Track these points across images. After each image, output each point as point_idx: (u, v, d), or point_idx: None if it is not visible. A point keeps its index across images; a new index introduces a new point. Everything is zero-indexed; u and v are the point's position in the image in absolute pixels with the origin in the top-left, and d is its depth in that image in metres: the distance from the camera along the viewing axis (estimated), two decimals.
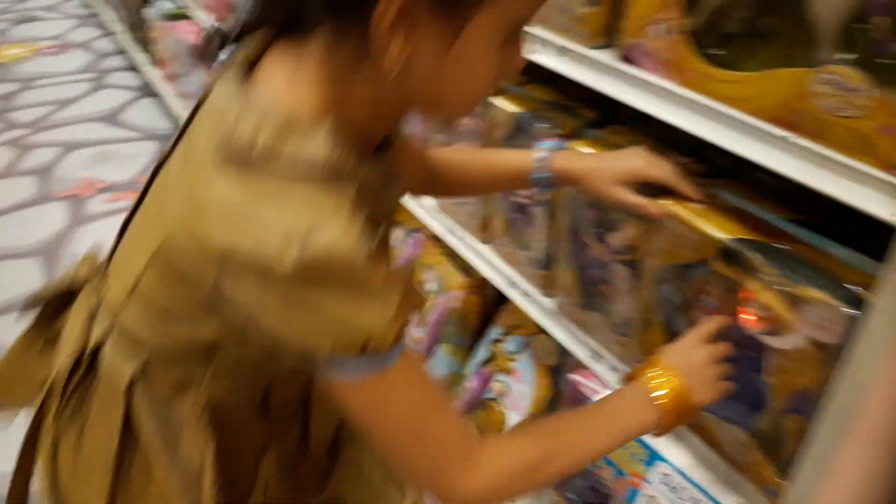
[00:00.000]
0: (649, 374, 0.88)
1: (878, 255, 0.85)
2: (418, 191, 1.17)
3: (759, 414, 1.00)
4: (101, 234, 3.38)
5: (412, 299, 0.65)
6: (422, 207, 1.78)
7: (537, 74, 1.44)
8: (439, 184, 1.11)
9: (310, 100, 0.64)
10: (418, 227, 2.00)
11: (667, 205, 1.00)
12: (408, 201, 1.84)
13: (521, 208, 1.42)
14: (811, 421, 0.93)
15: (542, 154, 1.07)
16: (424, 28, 0.59)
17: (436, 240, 1.88)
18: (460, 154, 1.15)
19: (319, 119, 0.62)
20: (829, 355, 0.86)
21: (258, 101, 0.62)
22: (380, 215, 0.70)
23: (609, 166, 1.03)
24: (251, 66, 0.67)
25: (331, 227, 0.58)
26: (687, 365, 0.90)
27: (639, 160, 1.03)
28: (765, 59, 0.86)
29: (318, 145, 0.61)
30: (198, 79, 3.42)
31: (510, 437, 0.92)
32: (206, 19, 3.22)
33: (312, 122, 0.62)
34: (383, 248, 0.78)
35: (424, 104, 0.70)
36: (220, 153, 0.61)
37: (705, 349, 0.93)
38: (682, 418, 0.87)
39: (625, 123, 1.25)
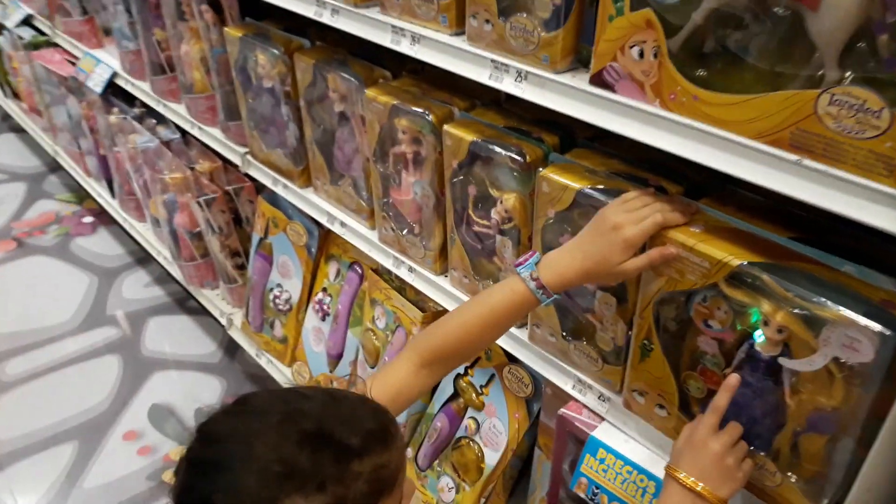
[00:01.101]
0: None
1: (885, 269, 0.87)
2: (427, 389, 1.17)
3: (776, 436, 1.00)
4: None
5: None
6: (361, 239, 1.72)
7: (483, 98, 1.41)
8: (448, 366, 1.15)
9: None
10: (355, 260, 1.93)
11: (669, 239, 0.99)
12: (344, 231, 1.77)
13: (482, 238, 1.38)
14: (834, 439, 0.94)
15: (528, 275, 1.04)
16: None
17: (379, 273, 1.82)
18: (451, 326, 1.12)
19: None
20: (857, 374, 0.87)
21: None
22: None
23: (601, 255, 1.01)
24: None
25: None
26: (702, 467, 0.96)
27: (626, 231, 1.00)
28: (760, 81, 0.86)
29: None
30: (69, 109, 3.19)
31: None
32: (74, 46, 3.01)
33: None
34: None
35: None
36: None
37: (718, 441, 0.96)
38: None
39: (589, 146, 1.22)
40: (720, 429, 0.99)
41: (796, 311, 0.90)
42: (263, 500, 0.73)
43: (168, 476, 2.27)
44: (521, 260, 1.07)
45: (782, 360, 0.94)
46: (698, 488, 0.95)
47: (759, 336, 0.96)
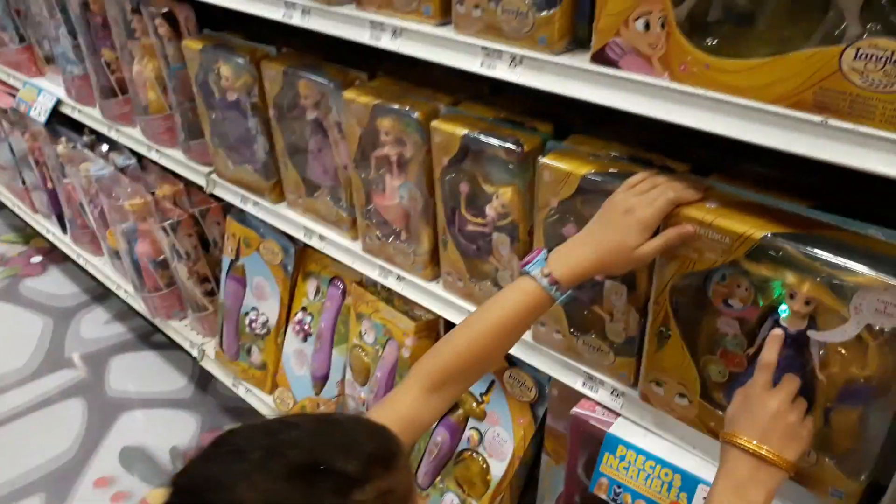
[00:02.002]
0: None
1: None
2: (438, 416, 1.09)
3: (808, 413, 0.98)
4: None
5: None
6: (343, 251, 1.67)
7: (466, 93, 1.39)
8: (460, 386, 1.08)
9: None
10: (336, 275, 1.88)
11: (686, 217, 0.97)
12: (323, 245, 1.72)
13: (475, 238, 1.35)
14: (868, 412, 0.93)
15: (539, 272, 1.00)
16: None
17: (364, 286, 1.77)
18: (458, 342, 1.05)
19: None
20: (893, 340, 0.86)
21: None
22: None
23: (616, 241, 0.99)
24: None
25: None
26: (762, 427, 0.91)
27: (639, 212, 0.98)
28: (772, 43, 0.85)
29: None
30: (12, 144, 3.08)
31: None
32: (12, 77, 2.91)
33: None
34: None
35: None
36: None
37: (775, 397, 0.92)
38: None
39: (587, 132, 1.21)
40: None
41: (824, 279, 0.89)
42: None
43: None
44: (527, 259, 1.04)
45: (811, 333, 0.93)
46: (762, 451, 0.89)
47: (784, 311, 0.95)
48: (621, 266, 1.02)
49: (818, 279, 0.89)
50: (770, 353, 0.93)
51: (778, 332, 0.93)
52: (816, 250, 0.88)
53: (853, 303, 0.87)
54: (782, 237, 0.91)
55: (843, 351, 0.92)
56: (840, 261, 0.87)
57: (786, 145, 0.85)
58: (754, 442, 0.90)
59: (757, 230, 0.92)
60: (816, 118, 0.81)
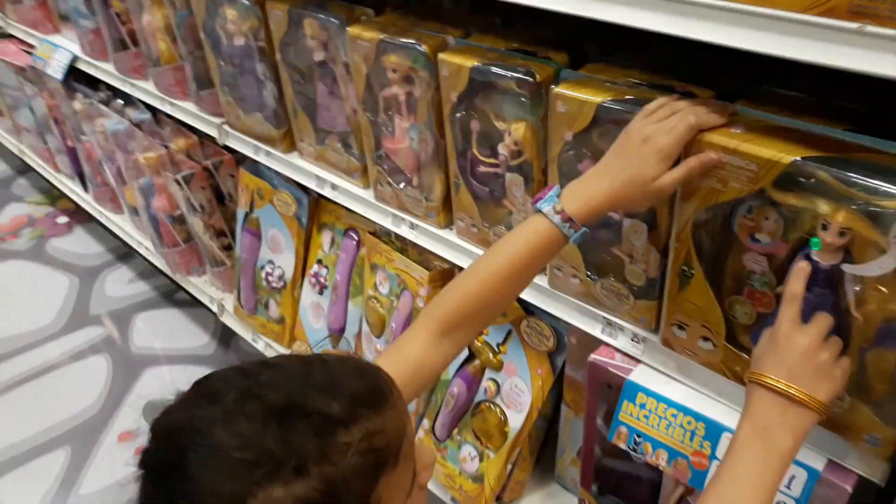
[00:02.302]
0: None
1: None
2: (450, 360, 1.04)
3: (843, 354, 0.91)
4: None
5: None
6: (355, 200, 1.61)
7: (480, 24, 1.31)
8: (472, 330, 1.04)
9: None
10: (350, 226, 1.83)
11: (708, 144, 0.89)
12: (335, 194, 1.67)
13: (488, 180, 1.28)
14: None
15: (551, 210, 0.93)
16: None
17: (378, 235, 1.72)
18: (470, 284, 1.00)
19: None
20: None
21: None
22: None
23: (633, 173, 0.91)
24: None
25: None
26: (791, 365, 0.83)
27: (657, 140, 0.90)
28: None
29: None
30: (33, 106, 3.06)
31: None
32: (29, 34, 2.87)
33: None
34: None
35: None
36: None
37: (806, 334, 0.84)
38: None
39: (603, 60, 1.12)
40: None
41: (861, 207, 0.81)
42: (234, 498, 0.62)
43: None
44: (539, 195, 0.97)
45: (846, 267, 0.85)
46: (791, 391, 0.82)
47: (815, 244, 0.87)
48: (639, 200, 0.95)
49: (854, 207, 0.81)
50: (796, 284, 0.85)
51: (804, 263, 0.85)
52: (852, 174, 0.80)
53: (893, 232, 0.79)
54: (814, 161, 0.82)
55: (881, 286, 0.84)
56: (879, 185, 0.78)
57: (818, 58, 0.76)
58: (783, 381, 0.83)
59: (786, 154, 0.84)
60: (852, 25, 0.72)
